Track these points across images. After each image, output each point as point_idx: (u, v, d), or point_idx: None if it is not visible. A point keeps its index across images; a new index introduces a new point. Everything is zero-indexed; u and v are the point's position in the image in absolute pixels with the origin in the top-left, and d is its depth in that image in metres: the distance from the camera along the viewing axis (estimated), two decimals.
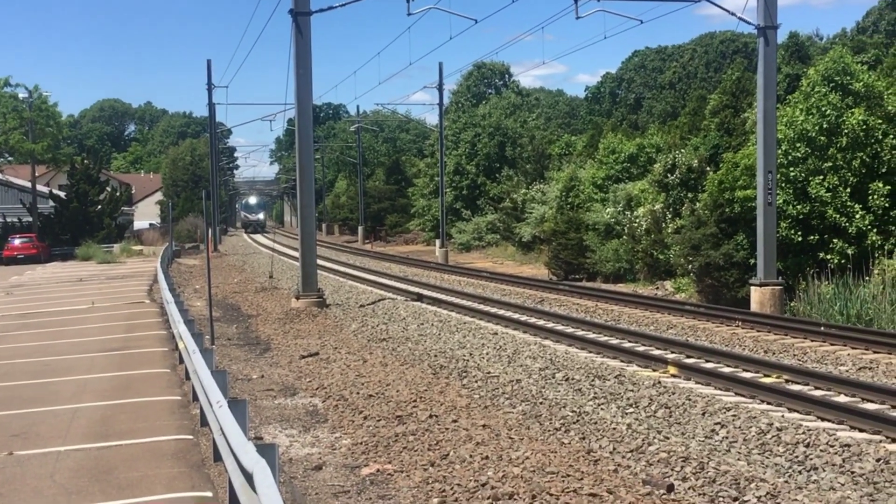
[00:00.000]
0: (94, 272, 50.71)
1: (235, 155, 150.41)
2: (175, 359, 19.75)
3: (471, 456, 11.74)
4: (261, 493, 7.02)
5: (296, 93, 30.36)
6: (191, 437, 13.21)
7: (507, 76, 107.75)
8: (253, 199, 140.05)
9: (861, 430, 13.13)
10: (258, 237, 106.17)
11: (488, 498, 10.09)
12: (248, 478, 7.92)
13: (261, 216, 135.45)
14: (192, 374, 15.12)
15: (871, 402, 14.92)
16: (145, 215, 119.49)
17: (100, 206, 72.81)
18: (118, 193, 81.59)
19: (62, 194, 73.17)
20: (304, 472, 11.57)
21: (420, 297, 32.74)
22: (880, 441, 12.55)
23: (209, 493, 10.55)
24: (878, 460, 11.38)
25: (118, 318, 28.62)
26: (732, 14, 28.77)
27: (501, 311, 28.34)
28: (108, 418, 14.50)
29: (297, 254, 34.36)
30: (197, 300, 33.19)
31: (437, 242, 61.91)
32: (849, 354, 19.78)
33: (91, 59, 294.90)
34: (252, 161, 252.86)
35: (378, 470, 11.52)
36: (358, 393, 16.24)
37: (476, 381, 17.15)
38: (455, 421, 13.71)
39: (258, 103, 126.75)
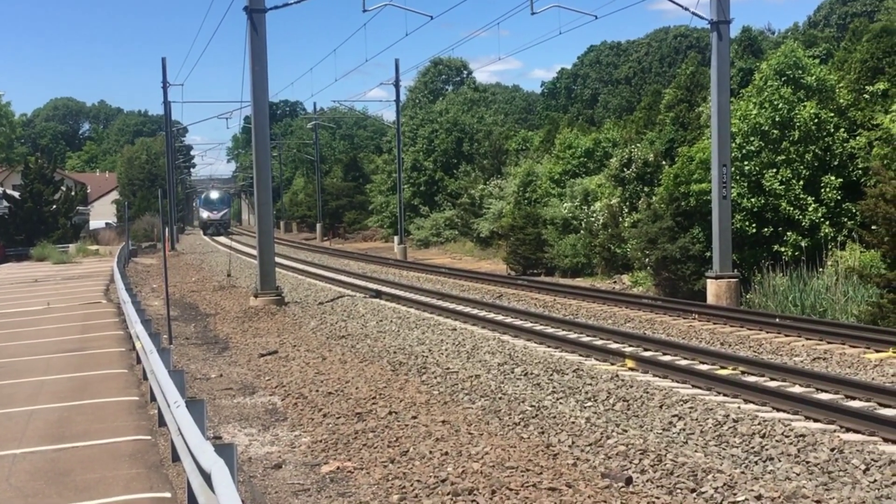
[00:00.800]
0: (49, 273, 50.18)
1: (192, 153, 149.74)
2: (132, 359, 19.61)
3: (430, 452, 11.77)
4: (219, 493, 7.00)
5: (252, 90, 30.23)
6: (149, 437, 13.13)
7: (464, 72, 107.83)
8: (214, 194, 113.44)
9: (816, 420, 13.28)
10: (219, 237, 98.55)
11: (448, 494, 10.11)
12: (207, 478, 7.90)
13: (224, 214, 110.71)
14: (149, 374, 15.03)
15: (826, 392, 15.11)
16: (101, 215, 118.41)
17: (55, 206, 72.01)
18: (73, 193, 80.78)
19: (16, 194, 72.31)
20: (264, 471, 11.54)
21: (379, 294, 32.71)
22: (834, 431, 12.71)
23: (168, 494, 10.49)
24: (832, 450, 11.53)
25: (74, 318, 28.35)
26: (686, 9, 29.01)
27: (460, 307, 28.38)
28: (64, 420, 14.37)
29: (255, 252, 34.22)
30: (154, 299, 32.97)
31: (396, 239, 61.87)
32: (803, 345, 20.00)
33: (43, 57, 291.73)
34: (209, 159, 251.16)
35: (338, 468, 11.51)
36: (317, 391, 16.21)
37: (435, 378, 17.18)
38: (415, 417, 13.73)
39: (214, 101, 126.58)
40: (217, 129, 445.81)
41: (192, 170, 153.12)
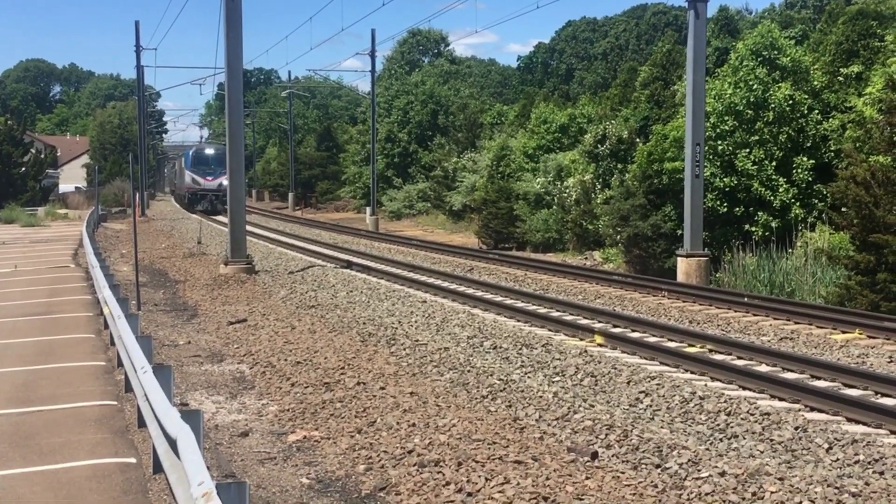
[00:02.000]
0: (17, 235, 49.76)
1: (164, 119, 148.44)
2: (100, 324, 19.50)
3: (398, 423, 11.77)
4: (184, 459, 6.97)
5: (226, 57, 29.98)
6: (115, 402, 13.07)
7: (441, 44, 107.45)
8: (209, 150, 77.71)
9: (781, 399, 13.38)
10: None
11: (415, 465, 10.13)
12: (173, 444, 7.87)
13: (223, 181, 65.08)
14: (116, 340, 14.95)
15: (792, 371, 15.22)
16: (71, 178, 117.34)
17: (24, 169, 71.40)
18: (43, 156, 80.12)
19: None
20: (231, 439, 11.51)
21: (350, 265, 32.64)
22: (799, 410, 12.81)
23: (133, 459, 10.46)
24: (796, 428, 11.62)
25: (42, 282, 28.14)
26: None
27: (431, 280, 28.38)
28: (30, 383, 14.28)
29: (225, 219, 34.05)
30: (123, 265, 32.75)
31: (368, 210, 61.77)
32: (771, 325, 20.13)
33: (12, 17, 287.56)
34: (181, 125, 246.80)
35: (305, 437, 11.50)
36: (286, 360, 16.18)
37: (404, 349, 17.18)
38: (383, 388, 13.72)
39: (188, 67, 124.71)
40: (190, 95, 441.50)
41: (164, 136, 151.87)
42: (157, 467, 9.42)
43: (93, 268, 24.17)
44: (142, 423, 11.10)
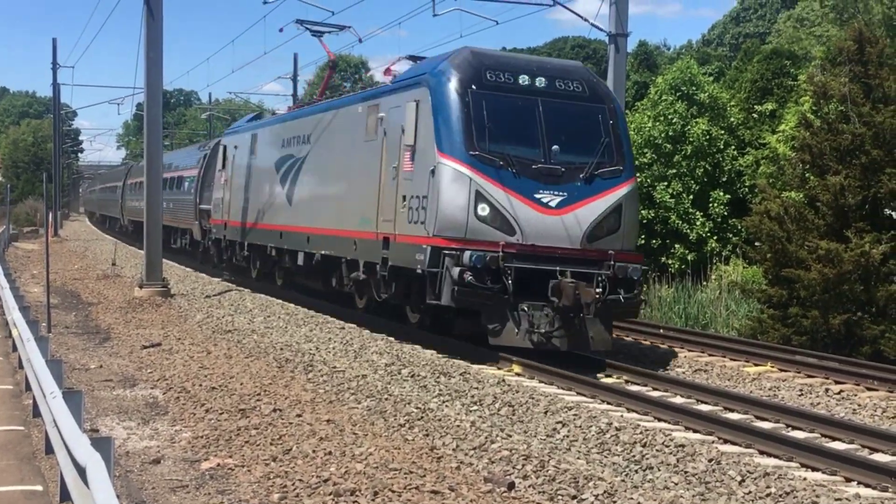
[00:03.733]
0: None
1: (80, 138, 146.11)
2: (8, 346, 19.04)
3: (314, 451, 11.64)
4: (94, 487, 6.79)
5: (146, 77, 29.60)
6: (22, 428, 12.74)
7: (362, 70, 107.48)
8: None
9: (695, 431, 13.51)
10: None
11: (330, 494, 10.01)
12: (82, 472, 7.67)
13: (590, 210, 18.02)
14: (25, 363, 14.59)
15: (706, 403, 15.39)
16: None
17: None
18: None
19: None
20: (142, 466, 11.27)
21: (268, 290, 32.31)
22: (713, 441, 12.95)
23: (39, 487, 10.18)
24: (710, 460, 11.73)
25: None
26: (586, 20, 29.37)
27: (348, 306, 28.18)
28: None
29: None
30: (34, 286, 32.05)
31: None
32: (686, 356, 20.35)
33: None
34: (98, 145, 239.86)
35: (219, 464, 11.31)
36: (200, 385, 15.92)
37: (322, 376, 17.03)
38: (299, 415, 13.57)
39: (106, 86, 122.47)
40: (107, 114, 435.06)
41: (80, 155, 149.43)
42: (65, 496, 9.17)
43: (2, 288, 23.62)
44: (49, 450, 10.82)
